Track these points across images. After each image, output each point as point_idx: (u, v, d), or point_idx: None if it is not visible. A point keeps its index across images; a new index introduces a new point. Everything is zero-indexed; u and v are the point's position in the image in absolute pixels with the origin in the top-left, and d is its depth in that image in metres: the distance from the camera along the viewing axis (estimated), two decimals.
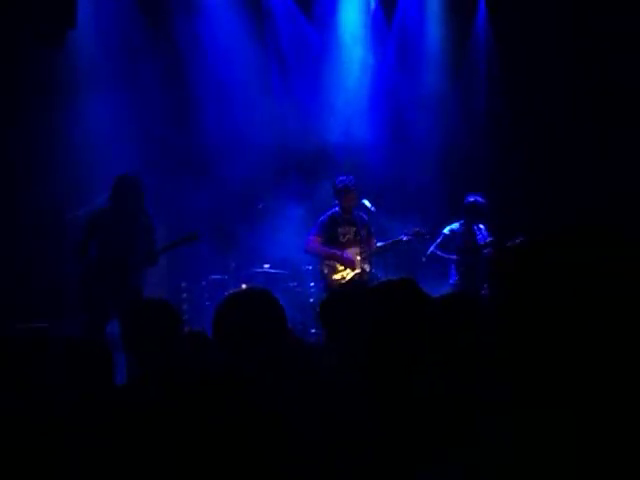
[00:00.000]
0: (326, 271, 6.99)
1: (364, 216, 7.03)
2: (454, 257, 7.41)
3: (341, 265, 6.95)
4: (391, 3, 9.08)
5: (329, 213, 7.06)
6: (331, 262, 6.97)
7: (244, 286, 7.58)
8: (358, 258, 6.91)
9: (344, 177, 7.01)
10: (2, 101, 7.14)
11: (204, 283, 7.86)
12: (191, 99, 8.27)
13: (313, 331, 7.02)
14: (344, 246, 6.96)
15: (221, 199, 7.95)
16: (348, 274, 6.93)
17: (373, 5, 9.04)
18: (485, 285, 7.36)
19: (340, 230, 6.98)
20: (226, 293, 7.79)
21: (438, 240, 7.46)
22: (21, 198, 7.10)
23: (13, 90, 7.20)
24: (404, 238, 7.02)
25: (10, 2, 7.01)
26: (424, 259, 7.47)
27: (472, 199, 7.36)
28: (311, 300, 7.40)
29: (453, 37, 9.07)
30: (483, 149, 8.85)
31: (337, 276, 6.94)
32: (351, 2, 8.96)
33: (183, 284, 7.96)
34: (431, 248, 7.45)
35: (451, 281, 7.42)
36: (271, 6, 8.72)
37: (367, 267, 6.96)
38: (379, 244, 7.07)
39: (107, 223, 6.10)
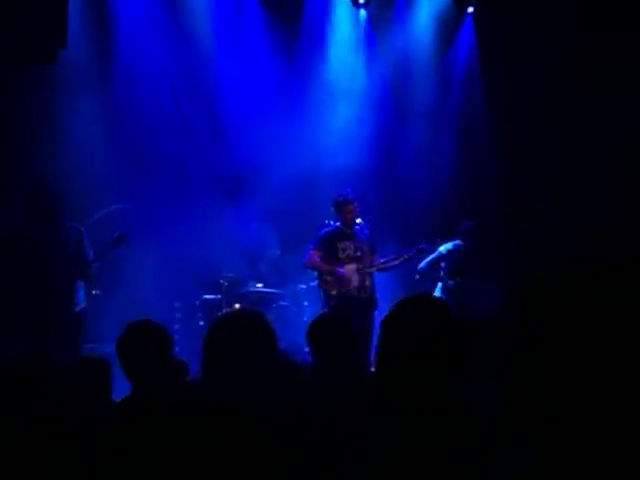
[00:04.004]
0: (324, 286, 6.95)
1: (366, 232, 6.96)
2: (447, 279, 7.43)
3: (337, 281, 6.89)
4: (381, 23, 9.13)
5: (329, 227, 7.04)
6: (329, 277, 6.91)
7: (237, 306, 7.54)
8: (355, 275, 6.84)
9: (343, 191, 6.99)
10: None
11: (197, 303, 7.81)
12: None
13: (307, 350, 6.94)
14: (343, 261, 6.90)
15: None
16: (346, 288, 6.85)
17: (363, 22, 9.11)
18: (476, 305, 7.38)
19: (339, 245, 6.93)
20: (219, 313, 7.71)
21: (431, 257, 7.46)
22: None
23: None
24: (406, 255, 6.97)
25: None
26: (417, 277, 7.47)
27: (468, 224, 7.41)
28: (305, 319, 7.36)
29: (441, 54, 9.12)
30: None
31: (335, 291, 6.88)
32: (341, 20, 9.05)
33: (176, 304, 7.88)
34: (422, 265, 7.47)
35: None
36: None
37: (367, 283, 6.89)
38: (381, 260, 7.02)
39: (24, 240, 5.77)
